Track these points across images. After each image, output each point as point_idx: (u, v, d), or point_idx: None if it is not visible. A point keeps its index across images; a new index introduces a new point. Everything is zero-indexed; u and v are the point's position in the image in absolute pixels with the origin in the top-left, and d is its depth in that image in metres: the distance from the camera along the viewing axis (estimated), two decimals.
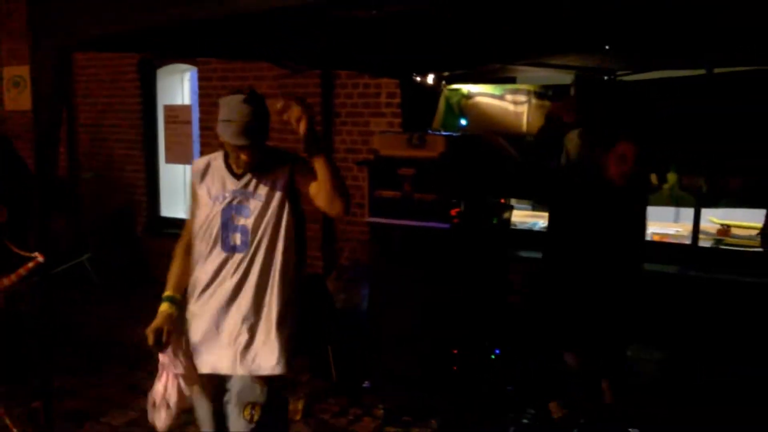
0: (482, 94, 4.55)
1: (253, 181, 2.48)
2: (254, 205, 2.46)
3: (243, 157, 2.42)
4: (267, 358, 2.45)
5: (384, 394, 3.99)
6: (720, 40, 3.38)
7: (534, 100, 4.41)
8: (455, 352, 3.77)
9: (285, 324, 2.49)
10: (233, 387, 2.48)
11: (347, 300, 4.76)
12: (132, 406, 3.92)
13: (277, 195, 2.46)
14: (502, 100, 4.48)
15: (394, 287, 3.89)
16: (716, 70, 4.02)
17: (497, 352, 4.15)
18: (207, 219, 2.48)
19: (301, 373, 4.28)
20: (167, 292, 2.51)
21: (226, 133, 2.35)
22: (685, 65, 4.13)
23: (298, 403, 3.88)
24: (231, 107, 2.35)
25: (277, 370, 2.45)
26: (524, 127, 4.39)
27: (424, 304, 3.79)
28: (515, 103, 4.45)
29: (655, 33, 3.23)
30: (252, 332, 2.46)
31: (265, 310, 2.47)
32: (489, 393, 3.99)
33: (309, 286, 4.40)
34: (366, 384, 4.16)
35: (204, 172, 2.54)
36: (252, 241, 2.45)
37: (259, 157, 2.43)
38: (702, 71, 4.07)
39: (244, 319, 2.45)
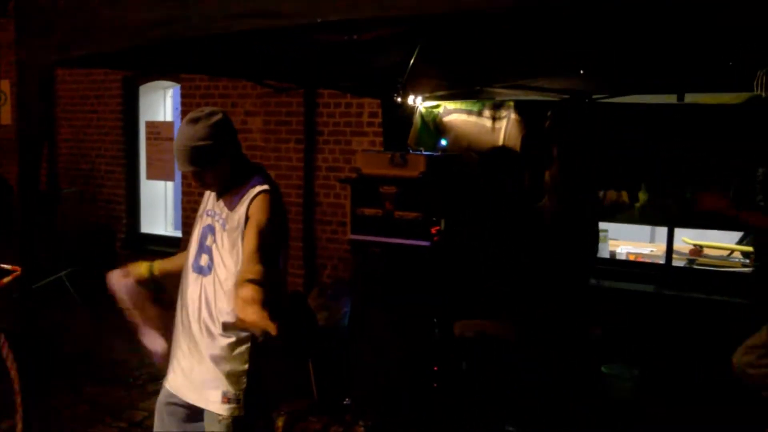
0: (458, 110, 4.50)
1: (224, 203, 2.35)
2: (219, 228, 2.35)
3: (192, 181, 2.32)
4: (212, 393, 2.31)
5: (365, 412, 4.00)
6: (692, 66, 3.51)
7: (513, 116, 4.36)
8: (436, 369, 3.81)
9: (237, 359, 2.32)
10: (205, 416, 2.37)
11: (329, 317, 4.77)
12: (108, 426, 3.88)
13: (238, 222, 2.29)
14: (479, 116, 4.41)
15: (375, 304, 3.92)
16: (687, 95, 4.16)
17: None
18: (192, 234, 2.45)
19: (283, 391, 4.27)
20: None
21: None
22: (658, 89, 4.26)
23: (278, 420, 3.88)
24: (179, 130, 2.27)
25: (216, 408, 2.29)
26: (501, 142, 4.35)
27: (404, 322, 3.83)
28: (493, 119, 4.40)
29: (629, 59, 3.34)
30: (202, 361, 2.33)
31: (217, 341, 2.31)
32: (469, 409, 4.02)
33: (290, 303, 4.41)
34: (347, 401, 4.16)
35: None
36: (213, 267, 2.33)
37: (212, 181, 2.31)
38: (674, 96, 4.22)
39: (198, 346, 2.34)
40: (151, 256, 2.72)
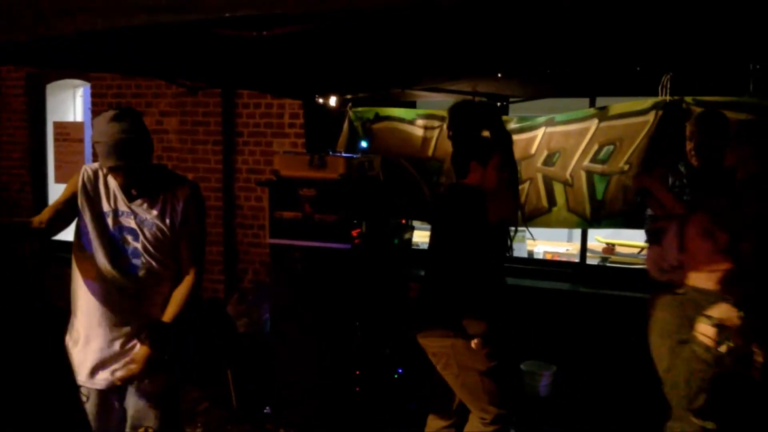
0: (391, 118, 4.47)
1: (145, 204, 2.42)
2: (145, 228, 2.42)
3: (117, 179, 2.36)
4: None
5: (286, 420, 3.92)
6: (603, 70, 3.63)
7: (445, 127, 4.35)
8: (357, 372, 3.77)
9: None
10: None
11: (249, 323, 4.66)
12: None
13: (165, 220, 2.43)
14: (412, 125, 4.40)
15: (296, 309, 3.85)
16: (599, 98, 4.30)
17: (400, 371, 4.18)
18: (94, 233, 2.41)
19: (199, 402, 4.12)
20: None
21: (99, 155, 2.28)
22: (571, 93, 4.39)
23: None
24: (100, 127, 2.27)
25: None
26: (430, 152, 4.38)
27: (325, 325, 3.77)
28: (426, 128, 4.38)
29: (544, 64, 3.42)
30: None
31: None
32: (392, 412, 4.00)
33: (207, 311, 4.28)
34: (267, 410, 4.06)
35: (95, 179, 2.45)
36: (143, 265, 2.41)
37: (137, 178, 2.37)
38: (586, 99, 4.36)
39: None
40: (61, 263, 2.61)
